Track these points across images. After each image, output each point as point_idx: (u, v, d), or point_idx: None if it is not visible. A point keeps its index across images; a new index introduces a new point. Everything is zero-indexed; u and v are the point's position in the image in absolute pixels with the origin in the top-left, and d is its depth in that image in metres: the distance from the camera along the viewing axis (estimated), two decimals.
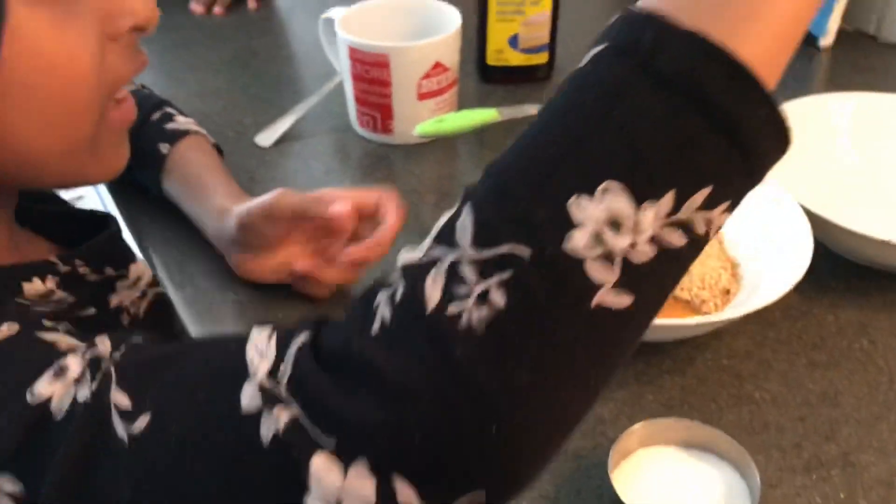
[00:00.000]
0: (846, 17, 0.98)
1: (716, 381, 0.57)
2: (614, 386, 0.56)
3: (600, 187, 0.29)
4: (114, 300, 0.48)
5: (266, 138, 0.84)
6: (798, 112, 0.73)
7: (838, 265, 0.66)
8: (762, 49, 0.30)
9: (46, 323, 0.37)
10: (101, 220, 0.54)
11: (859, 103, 0.75)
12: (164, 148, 0.68)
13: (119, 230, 0.53)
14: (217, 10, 1.11)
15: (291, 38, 1.07)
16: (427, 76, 0.79)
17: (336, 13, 0.83)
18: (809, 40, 0.98)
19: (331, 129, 0.86)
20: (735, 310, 0.57)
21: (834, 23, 0.97)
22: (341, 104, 0.86)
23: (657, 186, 0.29)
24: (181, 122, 0.71)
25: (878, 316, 0.62)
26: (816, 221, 0.63)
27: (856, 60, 0.96)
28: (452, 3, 0.84)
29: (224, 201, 0.64)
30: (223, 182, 0.67)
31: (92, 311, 0.47)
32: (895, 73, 0.94)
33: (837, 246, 0.66)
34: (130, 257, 0.52)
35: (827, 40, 0.98)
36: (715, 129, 0.29)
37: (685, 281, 0.61)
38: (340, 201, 0.58)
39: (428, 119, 0.78)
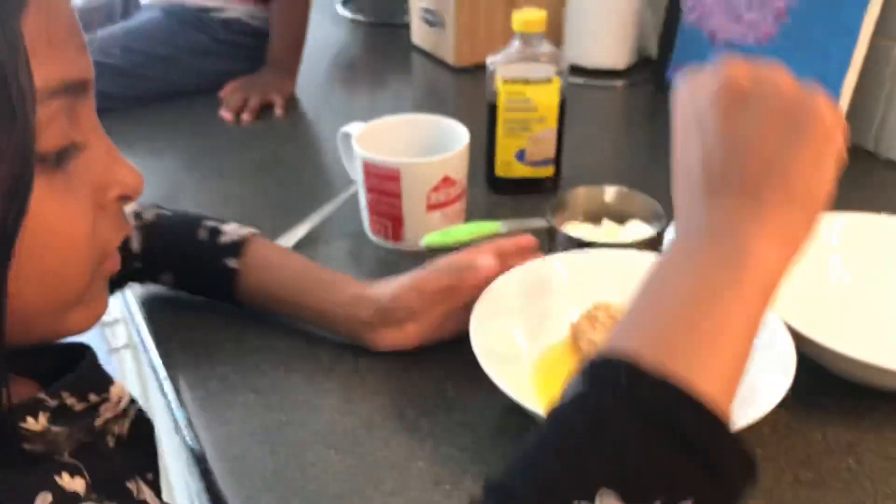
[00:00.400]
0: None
1: None
2: None
3: (598, 493, 0.34)
4: (98, 423, 0.49)
5: (284, 242, 0.88)
6: None
7: (829, 383, 0.68)
8: (718, 383, 0.38)
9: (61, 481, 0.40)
10: (72, 350, 0.53)
11: (850, 223, 0.77)
12: (231, 262, 0.72)
13: (96, 356, 0.53)
14: (245, 117, 1.17)
15: (314, 146, 1.14)
16: (436, 189, 0.83)
17: (353, 128, 0.88)
18: None
19: (345, 235, 0.91)
20: None
21: None
22: (356, 211, 0.91)
23: (647, 499, 0.35)
24: (229, 230, 0.74)
25: (867, 436, 0.64)
26: (807, 342, 0.65)
27: (854, 176, 0.99)
28: (463, 118, 0.89)
29: (354, 289, 0.71)
30: (337, 273, 0.73)
31: (82, 438, 0.47)
32: (892, 189, 0.97)
33: (828, 365, 0.68)
34: (109, 380, 0.52)
35: None
36: (691, 460, 0.35)
37: None
38: (484, 256, 0.67)
39: (436, 227, 0.82)
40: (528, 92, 0.90)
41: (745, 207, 0.43)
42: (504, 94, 0.90)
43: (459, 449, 0.62)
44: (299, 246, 0.88)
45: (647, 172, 1.03)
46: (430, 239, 0.80)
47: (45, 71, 0.38)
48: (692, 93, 0.47)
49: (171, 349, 0.74)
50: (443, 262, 0.69)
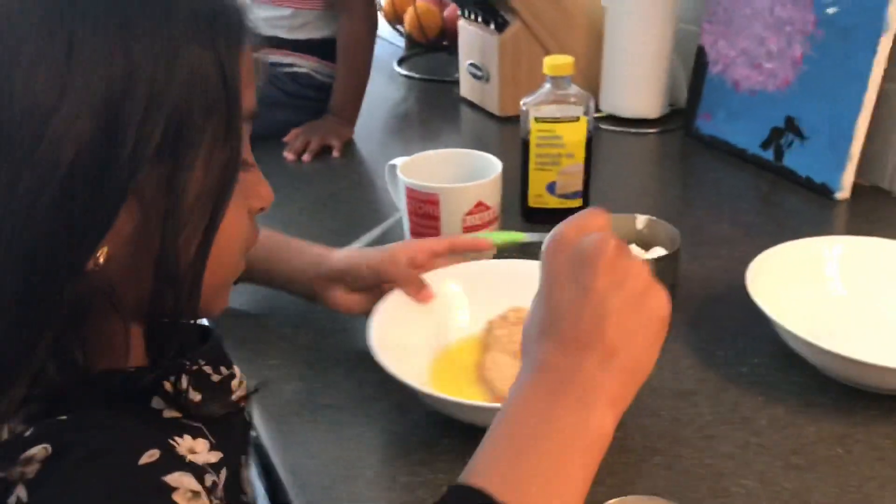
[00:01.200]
0: (860, 172, 1.08)
1: (697, 476, 0.65)
2: (603, 473, 0.65)
3: None
4: (234, 398, 0.56)
5: None
6: (794, 252, 0.83)
7: (825, 385, 0.74)
8: None
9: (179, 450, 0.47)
10: (198, 329, 0.62)
11: (848, 245, 0.84)
12: None
13: (221, 337, 0.61)
14: (306, 157, 1.29)
15: (366, 182, 1.25)
16: (471, 213, 0.92)
17: (399, 160, 0.99)
18: (827, 193, 1.09)
19: None
20: None
21: (848, 177, 1.07)
22: (401, 235, 1.01)
23: None
24: None
25: (858, 430, 0.69)
26: (810, 347, 0.71)
27: (869, 213, 1.06)
28: (502, 157, 0.99)
29: (321, 251, 0.83)
30: (307, 243, 0.85)
31: (216, 410, 0.54)
32: None
33: (824, 367, 0.74)
34: (230, 360, 0.59)
35: (843, 194, 1.08)
36: None
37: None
38: (428, 290, 0.79)
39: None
40: (558, 129, 0.99)
41: (594, 366, 0.46)
42: (535, 131, 1.00)
43: None
44: None
45: (671, 205, 1.10)
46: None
47: (246, 99, 0.49)
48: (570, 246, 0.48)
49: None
50: (399, 246, 0.80)
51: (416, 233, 0.95)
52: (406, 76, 1.72)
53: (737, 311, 0.85)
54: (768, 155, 1.17)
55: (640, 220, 0.90)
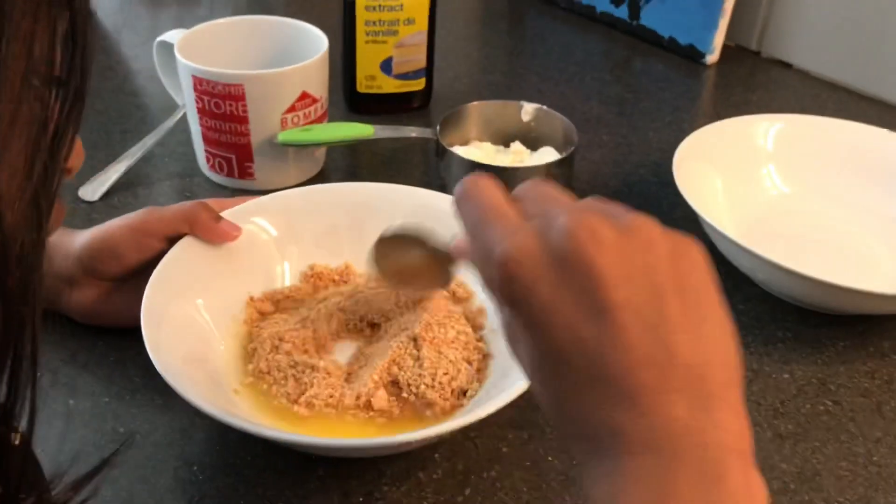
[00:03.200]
0: (728, 33, 0.93)
1: None
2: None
3: None
4: None
5: (92, 191, 0.68)
6: (721, 137, 0.66)
7: (782, 310, 0.59)
8: None
9: None
10: None
11: (783, 126, 0.68)
12: None
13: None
14: None
15: (120, 66, 0.91)
16: (292, 109, 0.66)
17: (173, 36, 0.68)
18: (696, 56, 0.93)
19: (172, 175, 0.71)
20: (461, 419, 0.43)
21: (719, 38, 0.92)
22: (185, 144, 0.72)
23: None
24: None
25: (837, 370, 0.55)
26: (756, 261, 0.55)
27: (743, 77, 0.92)
28: (300, 14, 0.72)
29: (63, 235, 0.53)
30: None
31: None
32: (781, 89, 0.90)
33: (779, 289, 0.59)
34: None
35: (713, 57, 0.93)
36: None
37: (414, 376, 0.48)
38: (223, 230, 0.53)
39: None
40: None
41: (688, 411, 0.28)
42: None
43: None
44: (112, 193, 0.68)
45: (526, 81, 0.90)
46: (288, 135, 0.65)
47: None
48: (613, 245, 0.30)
49: None
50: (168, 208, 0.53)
51: (214, 141, 0.67)
52: None
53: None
54: (621, 13, 0.99)
55: (527, 111, 0.69)
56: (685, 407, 0.27)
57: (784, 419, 0.52)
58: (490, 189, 0.33)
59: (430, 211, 0.56)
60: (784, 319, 0.58)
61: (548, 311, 0.29)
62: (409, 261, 0.43)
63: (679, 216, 0.62)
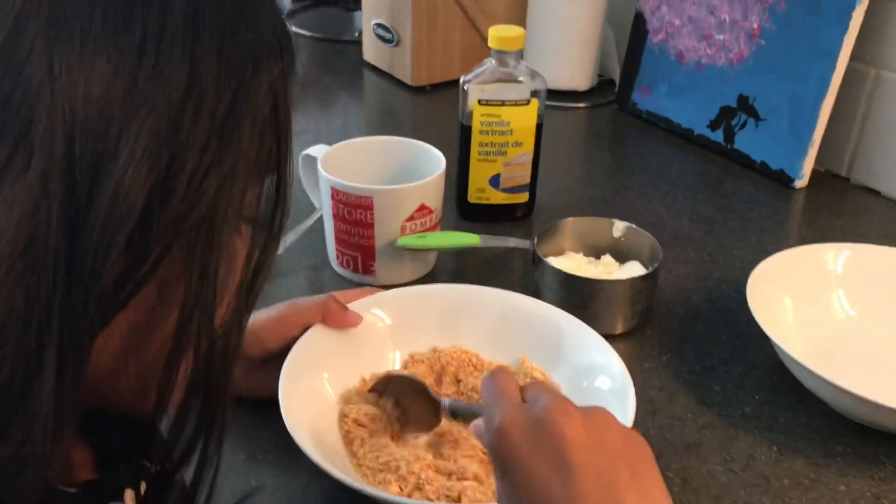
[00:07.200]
0: (818, 158, 0.99)
1: None
2: None
3: None
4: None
5: None
6: (794, 262, 0.72)
7: (843, 426, 0.64)
8: None
9: None
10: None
11: (851, 254, 0.74)
12: None
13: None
14: None
15: None
16: (411, 218, 0.76)
17: (317, 150, 0.81)
18: (785, 180, 0.99)
19: (307, 267, 0.83)
20: None
21: (808, 164, 0.98)
22: (319, 241, 0.83)
23: None
24: None
25: (892, 486, 0.59)
26: (819, 381, 0.60)
27: (830, 202, 0.97)
28: (427, 141, 0.83)
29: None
30: None
31: None
32: (867, 215, 0.95)
33: (841, 407, 0.64)
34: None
35: (802, 182, 0.99)
36: None
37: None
38: (349, 319, 0.64)
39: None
40: (505, 114, 0.84)
41: None
42: (479, 115, 0.84)
43: None
44: None
45: (622, 198, 0.98)
46: (406, 240, 0.76)
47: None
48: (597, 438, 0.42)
49: None
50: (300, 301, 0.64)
51: (343, 242, 0.78)
52: (295, 34, 1.51)
53: (722, 330, 0.74)
54: (717, 136, 1.07)
55: (618, 228, 0.77)
56: None
57: None
58: (506, 379, 0.46)
59: (521, 314, 0.66)
60: (844, 435, 0.63)
61: (528, 465, 0.39)
62: (407, 395, 0.59)
63: (754, 331, 0.68)
